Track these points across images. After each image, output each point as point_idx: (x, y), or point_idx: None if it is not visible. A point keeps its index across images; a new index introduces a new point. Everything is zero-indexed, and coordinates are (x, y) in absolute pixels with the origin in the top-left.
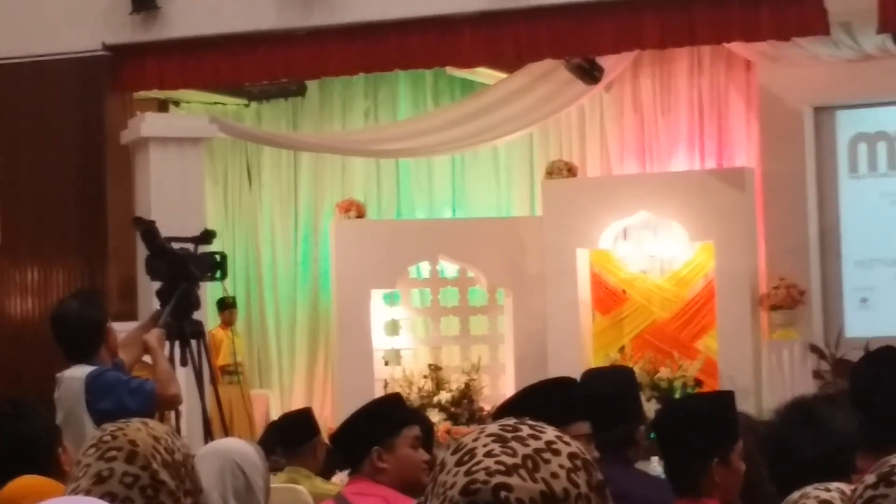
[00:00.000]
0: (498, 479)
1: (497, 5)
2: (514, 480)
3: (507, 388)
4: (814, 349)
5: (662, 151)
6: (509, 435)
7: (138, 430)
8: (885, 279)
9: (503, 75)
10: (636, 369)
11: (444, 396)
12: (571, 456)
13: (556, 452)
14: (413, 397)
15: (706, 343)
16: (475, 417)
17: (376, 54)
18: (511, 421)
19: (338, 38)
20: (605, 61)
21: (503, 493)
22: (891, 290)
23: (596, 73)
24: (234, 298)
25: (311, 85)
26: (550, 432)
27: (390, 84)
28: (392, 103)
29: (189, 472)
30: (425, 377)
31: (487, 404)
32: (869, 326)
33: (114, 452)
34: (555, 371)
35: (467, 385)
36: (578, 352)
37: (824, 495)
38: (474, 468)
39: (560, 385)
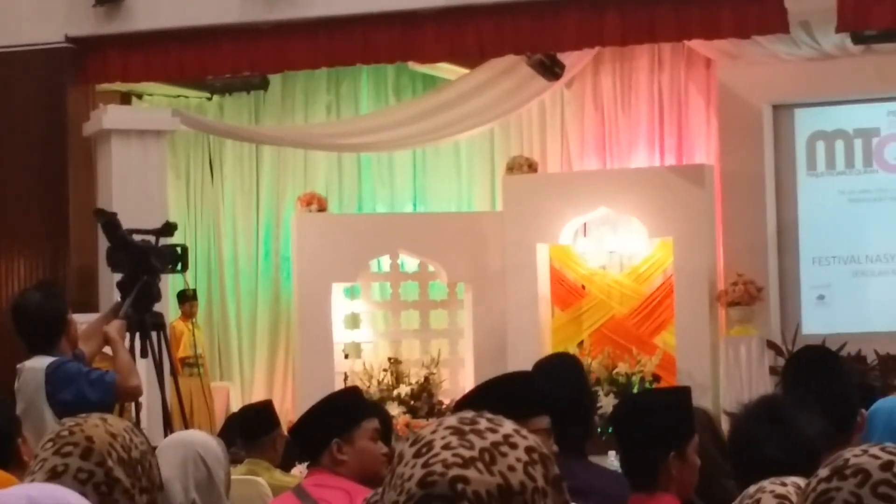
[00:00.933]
0: (455, 471)
1: (460, 1)
2: (470, 473)
3: (467, 382)
4: (771, 345)
5: (622, 148)
6: (467, 428)
7: (96, 426)
8: (842, 277)
9: (465, 71)
10: (595, 364)
11: (403, 390)
12: (528, 450)
13: (514, 446)
14: (373, 390)
15: (664, 338)
16: (434, 411)
17: (339, 48)
18: (469, 414)
19: (301, 33)
20: (567, 58)
21: (460, 486)
22: (847, 287)
23: (557, 69)
24: (194, 291)
25: (274, 79)
26: (508, 426)
27: (352, 78)
28: (354, 98)
29: (146, 469)
30: (385, 370)
31: (447, 398)
32: (826, 323)
33: (69, 448)
34: (514, 366)
35: (427, 379)
36: (537, 347)
37: (780, 489)
38: (431, 460)
39: (519, 379)
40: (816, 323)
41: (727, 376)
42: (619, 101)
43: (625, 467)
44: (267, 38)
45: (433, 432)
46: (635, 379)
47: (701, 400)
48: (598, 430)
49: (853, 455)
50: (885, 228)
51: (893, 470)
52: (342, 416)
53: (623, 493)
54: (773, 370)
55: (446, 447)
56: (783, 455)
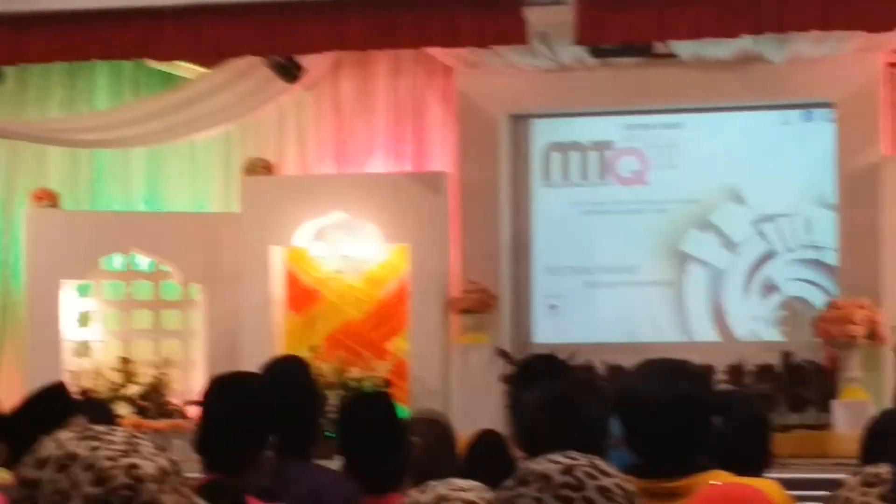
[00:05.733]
0: (123, 460)
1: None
2: (136, 459)
3: (198, 383)
4: (502, 353)
5: (360, 153)
6: (90, 433)
7: None
8: (574, 287)
9: (204, 70)
10: (327, 368)
11: (133, 390)
12: (146, 441)
13: (138, 437)
14: (102, 390)
15: (398, 344)
16: (164, 412)
17: (77, 43)
18: (67, 429)
19: (37, 25)
20: (306, 60)
21: (135, 471)
22: (579, 297)
23: (296, 71)
24: None
25: (7, 71)
26: (107, 427)
27: (89, 74)
28: (90, 93)
29: None
30: (115, 370)
31: (177, 399)
32: (557, 333)
33: None
34: (246, 367)
35: (157, 379)
36: (270, 349)
37: (468, 495)
38: (94, 463)
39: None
40: (548, 332)
41: (459, 383)
42: (357, 105)
43: (351, 471)
44: (2, 29)
45: (59, 447)
46: (367, 384)
47: (432, 406)
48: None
49: (535, 463)
50: (617, 240)
51: (574, 473)
52: (47, 413)
53: (349, 494)
54: (504, 378)
55: (94, 449)
56: (571, 441)
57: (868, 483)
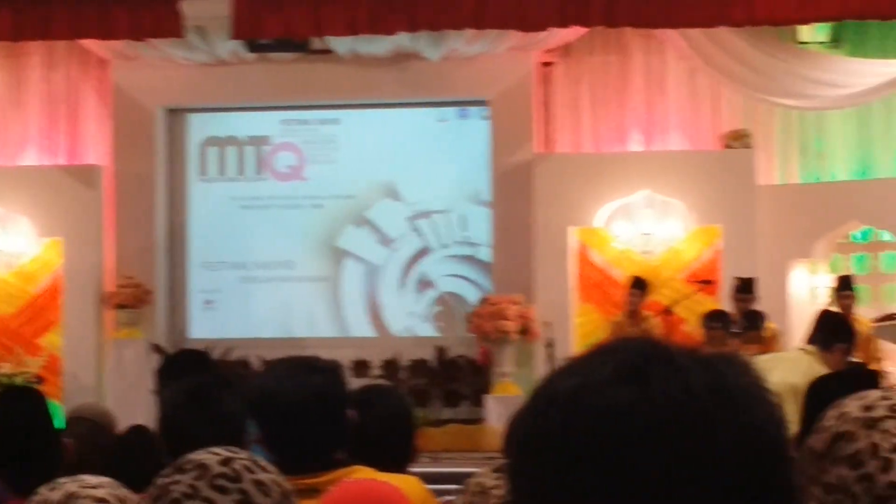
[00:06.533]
0: None
1: None
2: None
3: None
4: (156, 349)
5: (12, 145)
6: None
7: None
8: (231, 282)
9: None
10: None
11: None
12: None
13: None
14: None
15: (51, 340)
16: None
17: None
18: None
19: None
20: None
21: None
22: (234, 292)
23: None
24: None
25: None
26: None
27: None
28: None
29: None
30: None
31: None
32: (212, 328)
33: None
34: None
35: None
36: None
37: (99, 492)
38: None
39: None
40: (204, 328)
41: (113, 378)
42: (10, 97)
43: None
44: None
45: None
46: (19, 380)
47: (87, 402)
48: None
49: (195, 453)
50: (273, 235)
51: (232, 465)
52: None
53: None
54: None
55: None
56: (211, 435)
57: (500, 469)
